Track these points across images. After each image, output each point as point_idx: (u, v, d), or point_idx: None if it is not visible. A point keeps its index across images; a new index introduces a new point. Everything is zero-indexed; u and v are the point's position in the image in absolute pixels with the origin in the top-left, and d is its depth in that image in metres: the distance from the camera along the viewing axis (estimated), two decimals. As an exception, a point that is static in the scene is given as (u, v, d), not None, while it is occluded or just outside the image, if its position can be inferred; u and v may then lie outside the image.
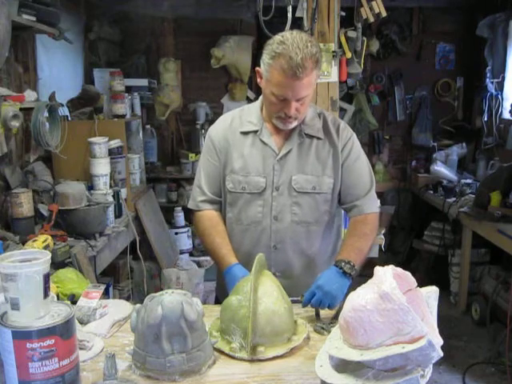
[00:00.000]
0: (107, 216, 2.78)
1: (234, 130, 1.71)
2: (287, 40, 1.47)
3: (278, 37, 1.51)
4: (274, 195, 1.67)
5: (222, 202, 1.76)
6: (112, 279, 3.14)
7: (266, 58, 1.52)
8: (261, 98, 1.70)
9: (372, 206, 1.73)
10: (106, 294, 2.30)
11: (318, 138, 1.68)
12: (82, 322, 1.49)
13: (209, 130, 1.78)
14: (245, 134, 1.70)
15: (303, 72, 1.45)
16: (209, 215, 1.75)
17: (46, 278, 1.08)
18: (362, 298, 1.05)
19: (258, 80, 1.61)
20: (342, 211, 1.86)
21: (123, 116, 3.36)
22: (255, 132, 1.69)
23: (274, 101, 1.55)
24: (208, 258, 4.03)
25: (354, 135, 1.74)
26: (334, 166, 1.68)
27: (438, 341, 1.03)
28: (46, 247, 2.08)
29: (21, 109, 2.30)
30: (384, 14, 2.85)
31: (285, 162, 1.66)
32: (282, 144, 1.67)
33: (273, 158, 1.67)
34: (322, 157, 1.68)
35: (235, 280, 1.51)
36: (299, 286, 1.57)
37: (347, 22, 2.97)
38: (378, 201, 1.80)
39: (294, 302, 1.48)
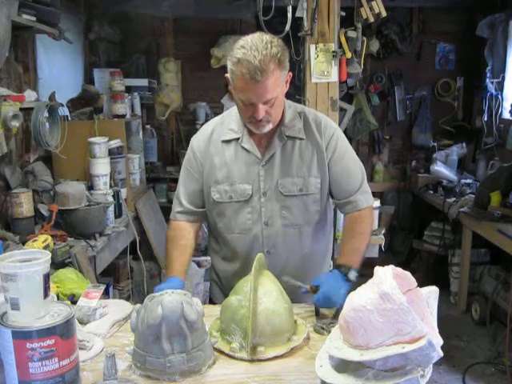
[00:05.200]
0: (107, 216, 2.78)
1: (216, 140, 1.69)
2: (247, 44, 1.44)
3: (240, 41, 1.48)
4: (261, 201, 1.65)
5: (202, 214, 1.75)
6: (112, 279, 3.14)
7: (229, 64, 1.50)
8: None
9: (366, 199, 1.70)
10: (106, 294, 2.30)
11: (300, 139, 1.65)
12: (82, 322, 1.49)
13: (191, 141, 1.75)
14: (227, 142, 1.67)
15: (263, 75, 1.42)
16: (179, 226, 1.74)
17: (46, 278, 1.08)
18: (361, 297, 1.05)
19: (229, 87, 1.58)
20: (333, 207, 1.85)
21: (123, 116, 3.36)
22: (237, 139, 1.66)
23: (242, 106, 1.54)
24: (208, 258, 4.01)
25: (338, 130, 1.71)
26: (319, 165, 1.65)
27: (438, 341, 1.03)
28: (46, 247, 2.08)
29: (21, 109, 2.30)
30: (384, 14, 2.85)
31: (269, 166, 1.64)
32: (265, 149, 1.65)
33: (257, 163, 1.64)
34: (306, 157, 1.65)
35: (160, 289, 1.36)
36: (296, 287, 1.57)
37: (347, 22, 2.97)
38: (370, 193, 1.75)
39: (303, 292, 1.54)
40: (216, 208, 1.70)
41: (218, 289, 1.86)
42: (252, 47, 1.43)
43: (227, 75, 1.55)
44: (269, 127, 1.57)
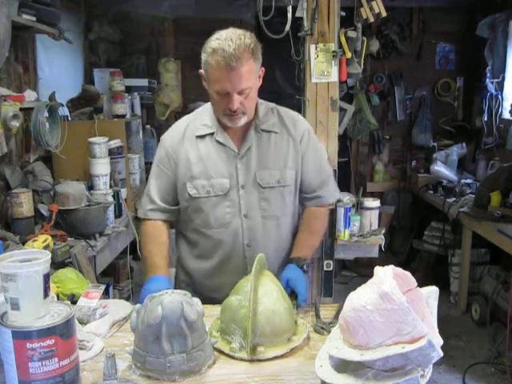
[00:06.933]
0: (107, 216, 2.78)
1: (190, 135, 1.69)
2: (221, 36, 1.50)
3: (214, 35, 1.53)
4: (240, 194, 1.66)
5: (173, 212, 1.74)
6: (112, 279, 3.14)
7: (203, 56, 1.54)
8: None
9: (333, 194, 1.82)
10: (106, 294, 2.30)
11: (275, 133, 1.69)
12: (81, 322, 1.49)
13: (162, 139, 1.75)
14: (201, 137, 1.68)
15: (237, 62, 1.46)
16: (154, 224, 1.73)
17: (46, 278, 1.08)
18: (362, 297, 1.05)
19: (203, 83, 1.61)
20: None
21: (123, 116, 3.36)
22: (211, 134, 1.67)
23: (217, 98, 1.56)
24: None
25: (310, 127, 1.78)
26: (294, 158, 1.70)
27: (438, 341, 1.03)
28: (46, 247, 2.08)
29: (21, 109, 2.30)
30: (384, 14, 2.85)
31: (246, 159, 1.66)
32: (241, 142, 1.67)
33: (233, 157, 1.66)
34: (282, 150, 1.69)
35: (149, 292, 1.39)
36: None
37: (347, 22, 2.96)
38: (336, 188, 1.87)
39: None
40: (192, 204, 1.69)
41: (191, 291, 1.85)
42: (227, 38, 1.48)
43: (201, 71, 1.58)
44: (244, 120, 1.60)
